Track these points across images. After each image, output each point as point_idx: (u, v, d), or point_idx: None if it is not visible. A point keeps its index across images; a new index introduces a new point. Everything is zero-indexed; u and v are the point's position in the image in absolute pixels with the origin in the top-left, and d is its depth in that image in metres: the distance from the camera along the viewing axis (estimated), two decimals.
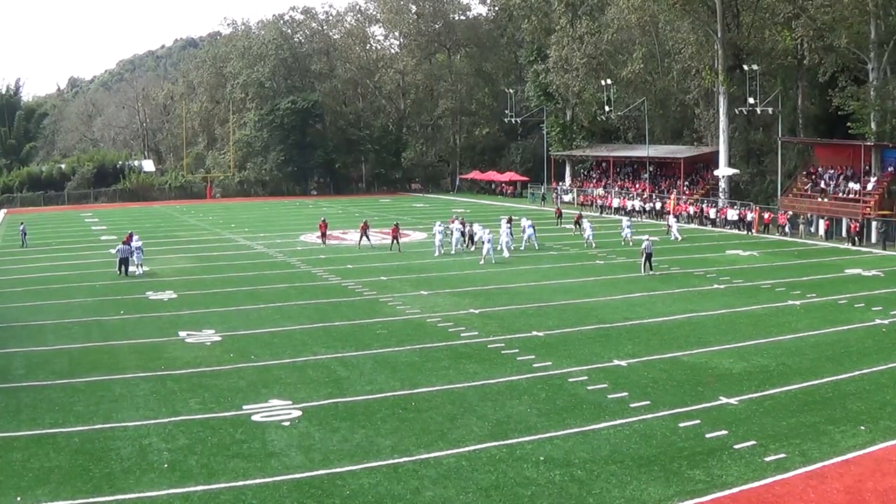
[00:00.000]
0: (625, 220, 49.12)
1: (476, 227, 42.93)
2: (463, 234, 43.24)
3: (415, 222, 58.74)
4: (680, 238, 46.93)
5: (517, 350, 22.07)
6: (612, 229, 50.66)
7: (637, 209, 63.95)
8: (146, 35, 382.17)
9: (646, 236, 37.65)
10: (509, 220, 44.73)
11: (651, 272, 34.91)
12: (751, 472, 13.95)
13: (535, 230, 43.88)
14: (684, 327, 25.19)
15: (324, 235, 46.84)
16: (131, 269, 37.17)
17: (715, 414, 16.87)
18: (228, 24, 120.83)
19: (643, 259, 35.42)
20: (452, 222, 45.96)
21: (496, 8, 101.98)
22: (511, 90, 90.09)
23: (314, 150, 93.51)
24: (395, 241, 42.90)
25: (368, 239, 44.47)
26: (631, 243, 44.71)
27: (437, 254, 41.16)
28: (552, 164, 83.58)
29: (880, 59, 51.37)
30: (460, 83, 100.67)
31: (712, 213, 57.49)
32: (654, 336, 23.85)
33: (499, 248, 40.61)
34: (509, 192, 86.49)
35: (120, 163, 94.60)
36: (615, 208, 66.38)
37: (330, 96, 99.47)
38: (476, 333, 24.14)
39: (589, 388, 18.67)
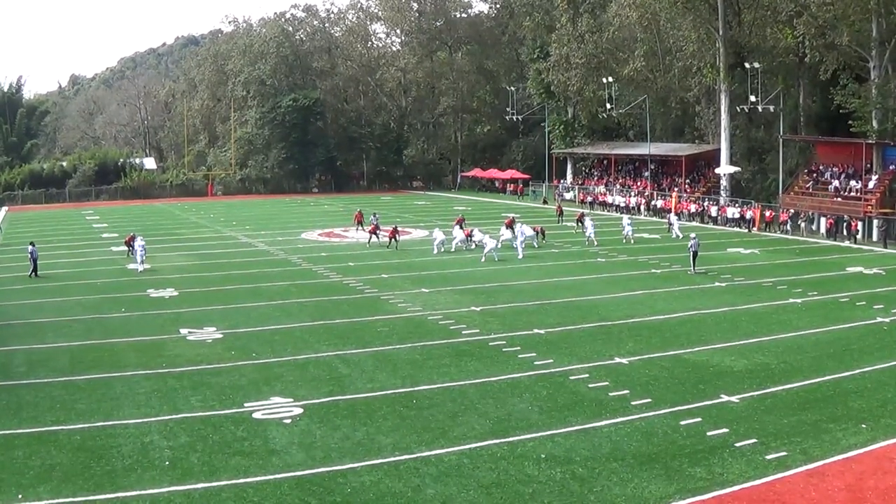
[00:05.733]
0: (625, 219, 49.08)
1: (476, 232, 42.78)
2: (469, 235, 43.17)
3: (416, 220, 58.73)
4: (681, 236, 46.87)
5: (518, 348, 22.07)
6: (613, 227, 50.62)
7: (632, 206, 64.09)
8: (147, 32, 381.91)
9: (692, 234, 37.39)
10: (510, 225, 44.73)
11: (695, 272, 34.55)
12: (752, 469, 13.96)
13: (498, 243, 41.17)
14: (685, 325, 25.19)
15: (360, 224, 48.63)
16: (132, 266, 37.30)
17: (716, 412, 16.87)
18: (230, 22, 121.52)
19: (691, 257, 35.02)
20: (459, 223, 45.87)
21: (497, 5, 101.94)
22: (512, 88, 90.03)
23: (315, 148, 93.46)
24: (392, 240, 42.98)
25: (378, 238, 44.51)
26: (633, 241, 44.71)
27: (435, 252, 41.13)
28: (554, 161, 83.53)
29: (882, 57, 51.26)
30: (462, 81, 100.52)
31: (713, 210, 57.51)
32: (655, 334, 23.85)
33: (499, 246, 40.55)
34: (519, 190, 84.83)
35: (121, 160, 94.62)
36: (617, 206, 66.41)
37: (331, 94, 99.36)
38: (477, 331, 24.15)
39: (590, 385, 18.68)
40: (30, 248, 35.63)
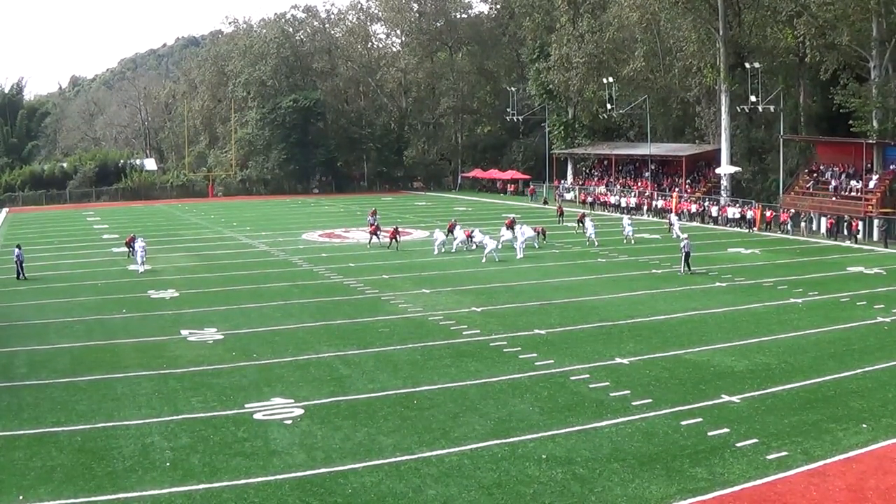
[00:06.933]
0: (626, 219, 49.07)
1: (476, 232, 42.81)
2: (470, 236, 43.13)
3: (417, 221, 58.73)
4: (682, 236, 46.83)
5: (519, 348, 22.07)
6: (613, 227, 50.59)
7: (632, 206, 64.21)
8: (148, 33, 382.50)
9: (685, 236, 37.74)
10: (511, 225, 44.75)
11: (689, 271, 34.62)
12: (753, 470, 13.96)
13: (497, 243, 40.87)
14: (686, 325, 25.19)
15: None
16: (133, 267, 37.31)
17: (717, 412, 16.87)
18: (230, 23, 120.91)
19: (683, 258, 35.01)
20: (452, 226, 45.75)
21: (498, 6, 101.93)
22: (513, 88, 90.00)
23: (316, 149, 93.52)
24: (392, 241, 43.00)
25: (378, 238, 44.51)
26: (633, 241, 44.70)
27: (436, 252, 41.13)
28: (554, 162, 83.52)
29: (882, 57, 51.29)
30: (462, 81, 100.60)
31: (714, 210, 57.52)
32: (655, 334, 23.85)
33: (499, 247, 40.54)
34: (531, 192, 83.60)
35: (122, 161, 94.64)
36: (617, 206, 66.42)
37: (332, 95, 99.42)
38: (478, 331, 24.15)
39: (591, 386, 18.68)
40: (16, 251, 35.56)
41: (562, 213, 57.99)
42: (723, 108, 61.62)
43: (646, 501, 12.90)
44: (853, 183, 51.25)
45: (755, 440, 15.21)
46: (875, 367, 20.08)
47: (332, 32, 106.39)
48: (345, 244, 46.68)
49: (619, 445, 15.10)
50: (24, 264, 35.07)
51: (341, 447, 15.13)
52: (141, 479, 13.72)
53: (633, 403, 17.38)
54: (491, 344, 22.67)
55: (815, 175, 54.93)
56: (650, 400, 17.55)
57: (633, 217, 55.83)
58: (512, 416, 16.77)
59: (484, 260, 38.37)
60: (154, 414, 17.03)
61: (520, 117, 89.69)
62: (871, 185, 50.05)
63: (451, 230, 44.84)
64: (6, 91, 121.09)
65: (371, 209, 54.71)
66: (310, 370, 20.27)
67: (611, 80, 71.48)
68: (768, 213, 52.90)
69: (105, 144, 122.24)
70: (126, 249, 40.65)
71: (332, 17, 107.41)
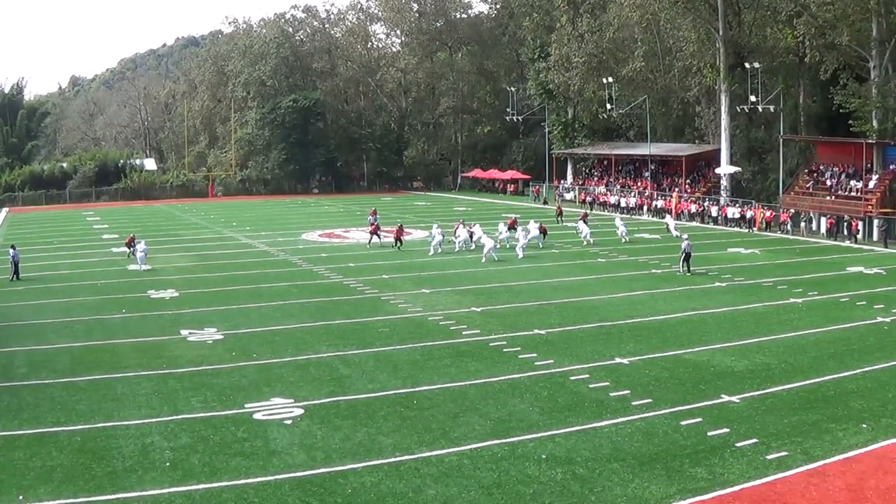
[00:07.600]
0: (618, 219, 49.11)
1: (476, 229, 42.84)
2: (471, 234, 43.08)
3: (417, 221, 58.69)
4: (678, 234, 46.78)
5: (519, 348, 22.07)
6: (613, 228, 50.52)
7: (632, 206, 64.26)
8: (148, 33, 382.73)
9: (685, 236, 37.68)
10: (512, 225, 44.74)
11: (689, 272, 34.49)
12: (753, 470, 13.96)
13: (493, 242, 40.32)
14: (686, 325, 25.19)
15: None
16: (133, 267, 37.31)
17: (717, 412, 16.87)
18: (230, 23, 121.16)
19: (682, 258, 34.86)
20: (458, 227, 45.67)
21: (497, 6, 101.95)
22: (513, 88, 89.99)
23: (316, 149, 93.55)
24: (398, 241, 42.97)
25: (379, 238, 44.46)
26: (627, 240, 44.84)
27: (431, 252, 40.93)
28: (554, 162, 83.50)
29: (882, 57, 51.29)
30: (462, 81, 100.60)
31: (714, 210, 57.53)
32: (655, 334, 23.84)
33: (497, 246, 40.52)
34: (535, 192, 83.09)
35: (121, 161, 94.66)
36: (618, 206, 66.43)
37: (331, 95, 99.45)
38: (478, 331, 24.15)
39: (591, 386, 18.68)
40: (11, 251, 35.47)
41: (561, 214, 57.98)
42: (723, 108, 61.62)
43: (646, 501, 12.90)
44: (853, 183, 51.25)
45: (755, 440, 15.21)
46: (875, 367, 20.08)
47: (332, 32, 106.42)
48: (344, 244, 46.68)
49: (618, 445, 15.10)
50: (19, 265, 35.01)
51: (341, 447, 15.13)
52: (141, 479, 13.72)
53: (633, 403, 17.38)
54: (491, 344, 22.67)
55: (814, 175, 54.93)
56: (650, 400, 17.55)
57: (634, 217, 55.86)
58: (512, 416, 16.77)
59: (483, 260, 38.36)
60: (154, 414, 17.02)
61: (520, 117, 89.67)
62: (871, 185, 50.05)
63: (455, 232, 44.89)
64: (6, 91, 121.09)
65: (371, 209, 54.80)
66: (310, 370, 20.27)
67: (610, 80, 71.44)
68: (768, 213, 52.90)
69: (105, 144, 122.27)
70: (126, 250, 40.64)
71: (332, 17, 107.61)
